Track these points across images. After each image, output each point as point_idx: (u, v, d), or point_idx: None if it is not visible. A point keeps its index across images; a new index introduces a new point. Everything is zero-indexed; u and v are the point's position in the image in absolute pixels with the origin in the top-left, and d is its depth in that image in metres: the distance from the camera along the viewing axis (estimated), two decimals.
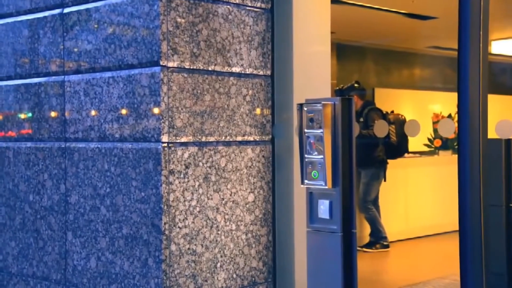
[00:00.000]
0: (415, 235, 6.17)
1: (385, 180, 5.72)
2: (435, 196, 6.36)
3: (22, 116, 3.79)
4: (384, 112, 5.85)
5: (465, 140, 2.88)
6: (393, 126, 5.59)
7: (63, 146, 3.53)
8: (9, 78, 3.87)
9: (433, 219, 6.29)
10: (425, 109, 8.06)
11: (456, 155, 2.98)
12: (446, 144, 7.20)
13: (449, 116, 6.77)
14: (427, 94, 8.57)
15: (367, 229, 5.65)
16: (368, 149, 5.47)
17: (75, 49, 3.47)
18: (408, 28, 7.12)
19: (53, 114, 3.60)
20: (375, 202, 5.73)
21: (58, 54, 3.57)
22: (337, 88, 6.03)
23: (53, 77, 3.60)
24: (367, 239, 5.65)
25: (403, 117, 5.91)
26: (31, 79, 3.73)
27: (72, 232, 3.48)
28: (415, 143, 6.86)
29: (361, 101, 5.68)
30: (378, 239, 5.65)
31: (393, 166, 5.98)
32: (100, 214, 3.32)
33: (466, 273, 2.86)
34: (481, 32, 2.81)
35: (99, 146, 3.34)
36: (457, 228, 3.14)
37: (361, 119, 5.43)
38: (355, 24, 6.81)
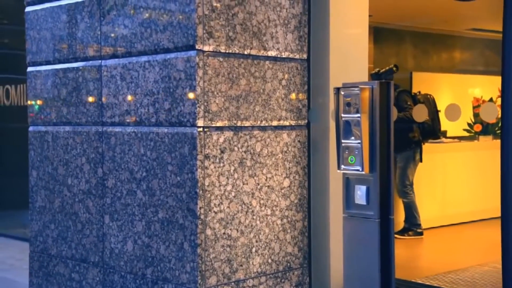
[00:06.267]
0: (452, 222, 6.06)
1: (421, 161, 5.62)
2: (474, 182, 6.23)
3: (61, 100, 3.83)
4: (413, 94, 5.74)
5: (508, 124, 2.79)
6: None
7: (100, 130, 3.56)
8: (48, 63, 3.91)
9: (470, 206, 6.16)
10: (464, 93, 7.87)
11: (497, 141, 2.89)
12: (486, 129, 7.03)
13: (491, 100, 6.59)
14: (467, 78, 8.36)
15: (398, 215, 5.57)
16: (402, 132, 5.36)
17: (112, 34, 3.48)
18: (447, 9, 6.95)
19: (90, 98, 3.63)
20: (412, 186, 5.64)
21: (95, 39, 3.59)
22: (373, 72, 5.92)
23: (91, 61, 3.63)
24: (399, 225, 5.56)
25: (431, 96, 5.78)
26: (69, 64, 3.77)
27: (109, 216, 3.52)
28: (454, 128, 6.71)
29: None
30: (411, 225, 5.56)
31: (432, 150, 5.87)
32: (137, 198, 3.35)
33: (508, 260, 2.79)
34: None
35: (135, 130, 3.36)
36: (495, 215, 3.05)
37: None
38: (393, 6, 6.68)
